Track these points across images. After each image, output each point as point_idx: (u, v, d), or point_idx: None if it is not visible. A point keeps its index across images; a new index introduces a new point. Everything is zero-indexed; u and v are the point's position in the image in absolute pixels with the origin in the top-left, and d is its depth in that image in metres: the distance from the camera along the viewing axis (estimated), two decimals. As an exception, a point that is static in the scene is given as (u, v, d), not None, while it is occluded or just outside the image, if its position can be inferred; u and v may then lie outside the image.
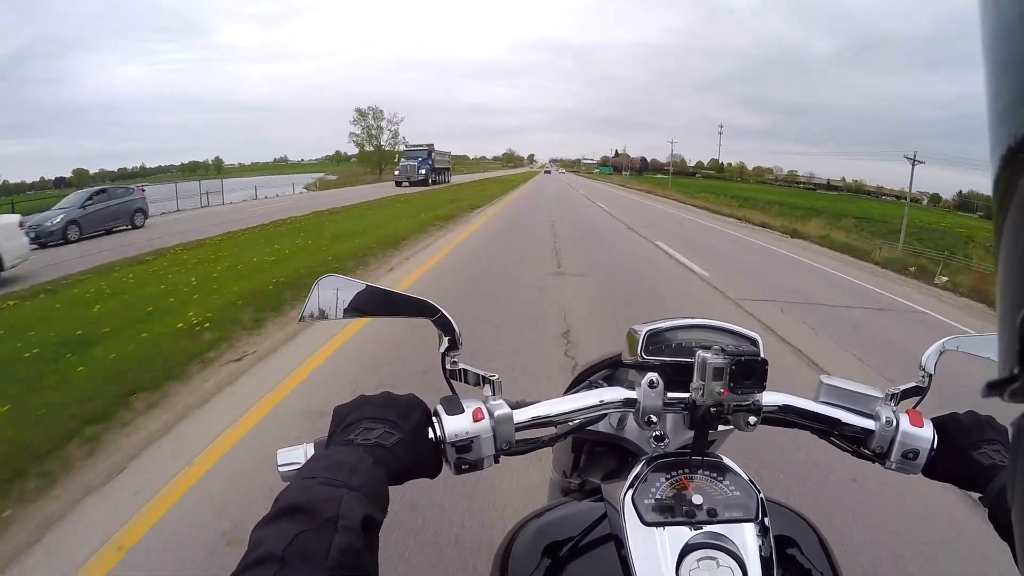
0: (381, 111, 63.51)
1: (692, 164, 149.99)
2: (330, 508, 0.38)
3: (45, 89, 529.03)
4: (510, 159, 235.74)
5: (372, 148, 63.64)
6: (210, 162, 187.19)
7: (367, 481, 0.42)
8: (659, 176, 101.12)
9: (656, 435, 0.63)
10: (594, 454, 0.85)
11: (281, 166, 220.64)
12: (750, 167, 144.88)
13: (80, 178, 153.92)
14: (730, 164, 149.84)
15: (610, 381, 0.74)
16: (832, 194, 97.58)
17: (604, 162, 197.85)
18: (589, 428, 0.64)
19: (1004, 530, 0.50)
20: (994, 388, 0.19)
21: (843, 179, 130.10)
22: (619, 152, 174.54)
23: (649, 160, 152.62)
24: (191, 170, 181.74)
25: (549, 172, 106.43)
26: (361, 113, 63.16)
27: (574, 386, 0.78)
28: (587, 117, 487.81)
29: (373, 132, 63.55)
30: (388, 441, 0.48)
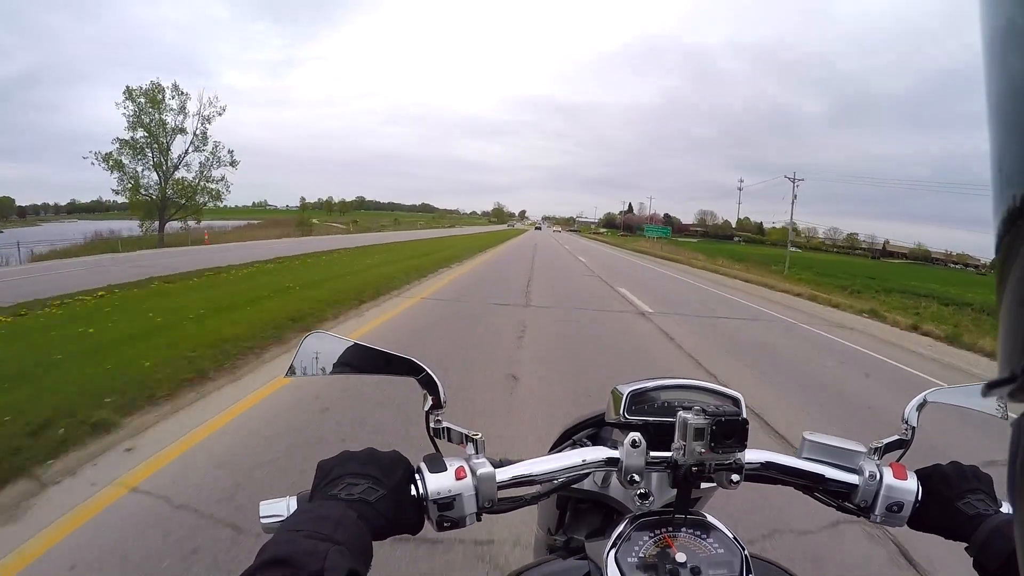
0: (186, 95, 27.92)
1: (716, 222, 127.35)
2: (315, 562, 0.38)
3: (43, 116, 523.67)
4: (498, 215, 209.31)
5: (150, 173, 27.75)
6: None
7: (352, 536, 0.42)
8: (691, 241, 79.23)
9: (640, 493, 0.61)
10: (579, 511, 0.80)
11: (258, 210, 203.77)
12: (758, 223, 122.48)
13: (2, 207, 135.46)
14: (765, 224, 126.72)
15: (594, 439, 0.74)
16: (899, 262, 76.10)
17: (610, 220, 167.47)
18: (573, 486, 0.63)
19: None
20: (994, 388, 0.19)
21: (883, 240, 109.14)
22: (631, 208, 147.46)
23: (667, 217, 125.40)
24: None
25: (539, 228, 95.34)
26: (132, 96, 26.32)
27: (558, 444, 0.77)
28: (578, 176, 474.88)
29: (161, 141, 27.26)
30: (371, 497, 0.48)
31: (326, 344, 0.55)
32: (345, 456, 0.51)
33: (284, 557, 0.38)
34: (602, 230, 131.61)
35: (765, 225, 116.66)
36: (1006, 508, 0.57)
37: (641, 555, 0.53)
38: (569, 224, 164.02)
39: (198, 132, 28.53)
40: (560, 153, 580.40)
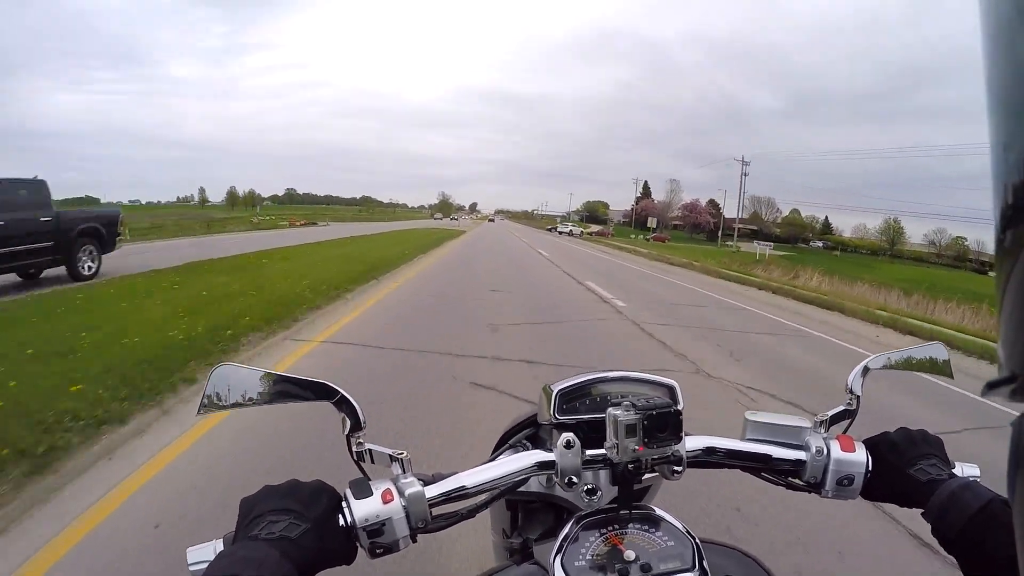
0: None
1: (732, 218, 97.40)
2: None
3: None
4: (445, 207, 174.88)
5: None
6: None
7: None
8: (779, 251, 53.89)
9: (588, 489, 0.58)
10: (531, 511, 0.76)
11: (182, 205, 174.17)
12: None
13: None
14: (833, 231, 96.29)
15: (534, 440, 0.71)
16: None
17: (591, 211, 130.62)
18: (519, 489, 0.60)
19: (949, 545, 0.50)
20: (994, 388, 0.19)
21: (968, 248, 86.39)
22: (648, 191, 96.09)
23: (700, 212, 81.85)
24: None
25: (492, 221, 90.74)
26: None
27: (498, 447, 0.74)
28: (531, 169, 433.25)
29: None
30: (293, 533, 0.46)
31: (236, 375, 0.51)
32: (265, 492, 0.49)
33: None
34: (592, 228, 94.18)
35: (888, 226, 77.66)
36: (959, 471, 0.57)
37: (589, 556, 0.51)
38: (530, 217, 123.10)
39: None
40: (512, 145, 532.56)
